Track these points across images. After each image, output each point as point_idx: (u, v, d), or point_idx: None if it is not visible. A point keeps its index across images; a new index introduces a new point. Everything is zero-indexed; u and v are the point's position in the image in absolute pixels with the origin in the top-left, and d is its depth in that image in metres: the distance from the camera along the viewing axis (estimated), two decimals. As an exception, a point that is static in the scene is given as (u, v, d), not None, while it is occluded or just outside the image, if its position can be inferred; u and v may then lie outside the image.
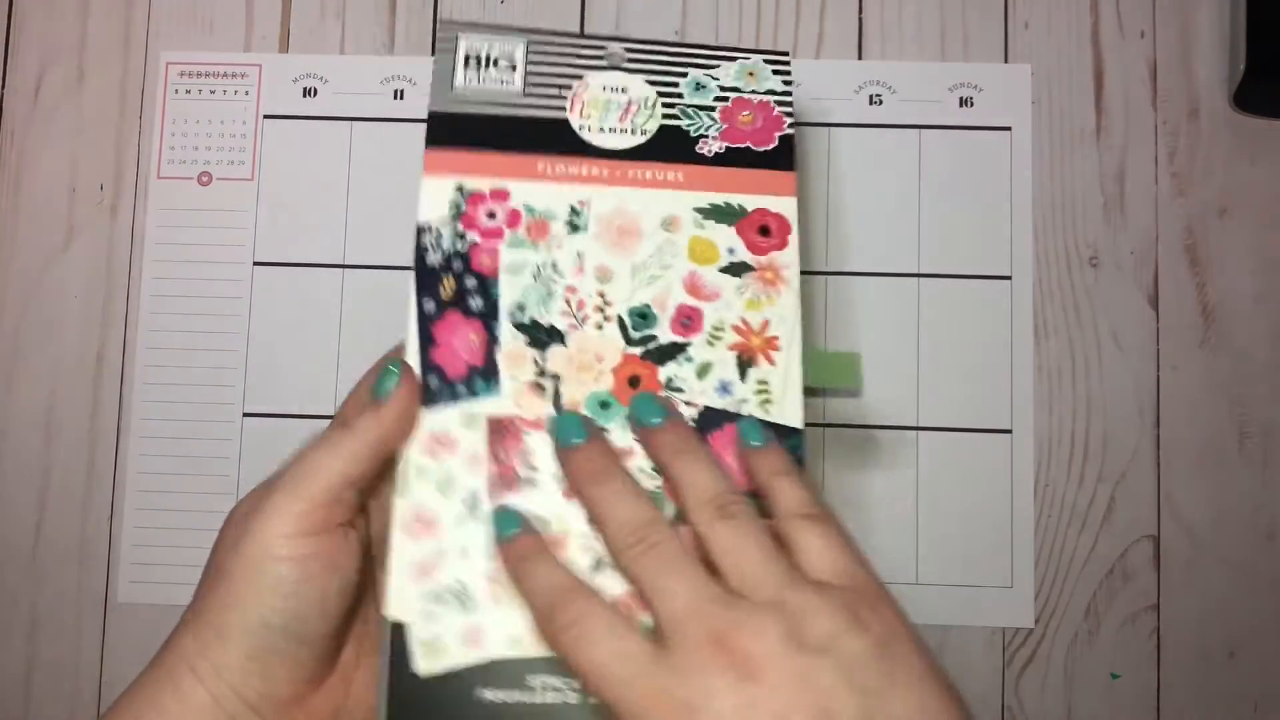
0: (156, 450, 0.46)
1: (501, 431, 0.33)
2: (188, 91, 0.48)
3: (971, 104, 0.47)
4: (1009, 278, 0.46)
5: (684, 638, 0.27)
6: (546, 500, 0.32)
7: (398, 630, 0.31)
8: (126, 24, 0.48)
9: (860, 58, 0.47)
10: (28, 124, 0.48)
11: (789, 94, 0.37)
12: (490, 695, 0.30)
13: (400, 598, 0.31)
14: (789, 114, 0.37)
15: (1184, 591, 0.44)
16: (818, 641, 0.27)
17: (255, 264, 0.47)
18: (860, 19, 0.48)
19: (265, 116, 0.47)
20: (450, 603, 0.31)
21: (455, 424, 0.33)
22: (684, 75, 0.37)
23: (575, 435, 0.32)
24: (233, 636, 0.29)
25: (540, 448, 0.33)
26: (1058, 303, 0.46)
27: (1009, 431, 0.45)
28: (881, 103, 0.47)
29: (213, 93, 0.48)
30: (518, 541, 0.31)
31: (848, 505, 0.45)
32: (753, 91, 0.37)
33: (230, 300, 0.47)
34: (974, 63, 0.47)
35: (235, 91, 0.48)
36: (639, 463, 0.33)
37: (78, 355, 0.46)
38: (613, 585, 0.31)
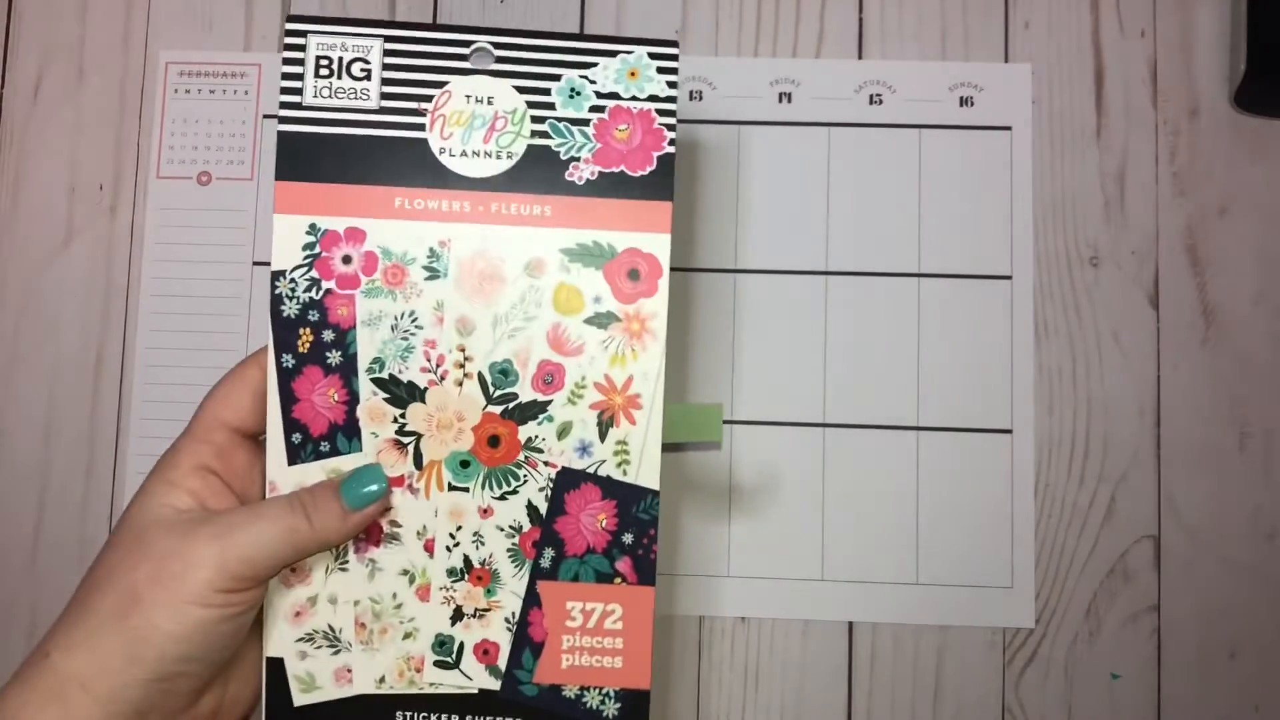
0: (156, 450, 0.45)
1: None
2: (187, 91, 0.48)
3: (971, 104, 0.47)
4: (1009, 278, 0.46)
5: None
6: (410, 556, 0.34)
7: (275, 665, 0.34)
8: (126, 24, 0.48)
9: (860, 58, 0.47)
10: (27, 124, 0.48)
11: (673, 99, 0.34)
12: None
13: (277, 638, 0.34)
14: (670, 127, 0.34)
15: (1184, 592, 0.44)
16: None
17: (255, 264, 0.47)
18: (860, 19, 0.47)
19: (265, 116, 0.47)
20: (321, 644, 0.34)
21: (320, 480, 0.33)
22: (557, 79, 0.34)
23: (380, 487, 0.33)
24: (146, 666, 0.29)
25: (404, 504, 0.34)
26: (1058, 303, 0.46)
27: (1009, 431, 0.45)
28: (881, 103, 0.47)
29: (212, 92, 0.48)
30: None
31: (848, 505, 0.45)
32: (633, 98, 0.34)
33: (230, 300, 0.46)
34: (974, 62, 0.47)
35: (235, 91, 0.48)
36: (497, 521, 0.34)
37: (77, 355, 0.46)
38: (473, 634, 0.34)
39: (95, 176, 0.47)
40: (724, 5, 0.48)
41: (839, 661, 0.44)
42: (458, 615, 0.34)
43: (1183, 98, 0.47)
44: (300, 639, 0.34)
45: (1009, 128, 0.47)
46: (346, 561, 0.34)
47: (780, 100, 0.47)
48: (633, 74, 0.34)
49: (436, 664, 0.34)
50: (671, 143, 0.34)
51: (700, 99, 0.47)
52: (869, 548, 0.45)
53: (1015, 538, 0.45)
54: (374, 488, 0.32)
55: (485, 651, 0.34)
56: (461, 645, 0.34)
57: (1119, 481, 0.45)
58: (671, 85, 0.34)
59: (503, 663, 0.34)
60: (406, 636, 0.34)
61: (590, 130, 0.34)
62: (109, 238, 0.47)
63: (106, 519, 0.46)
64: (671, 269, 0.46)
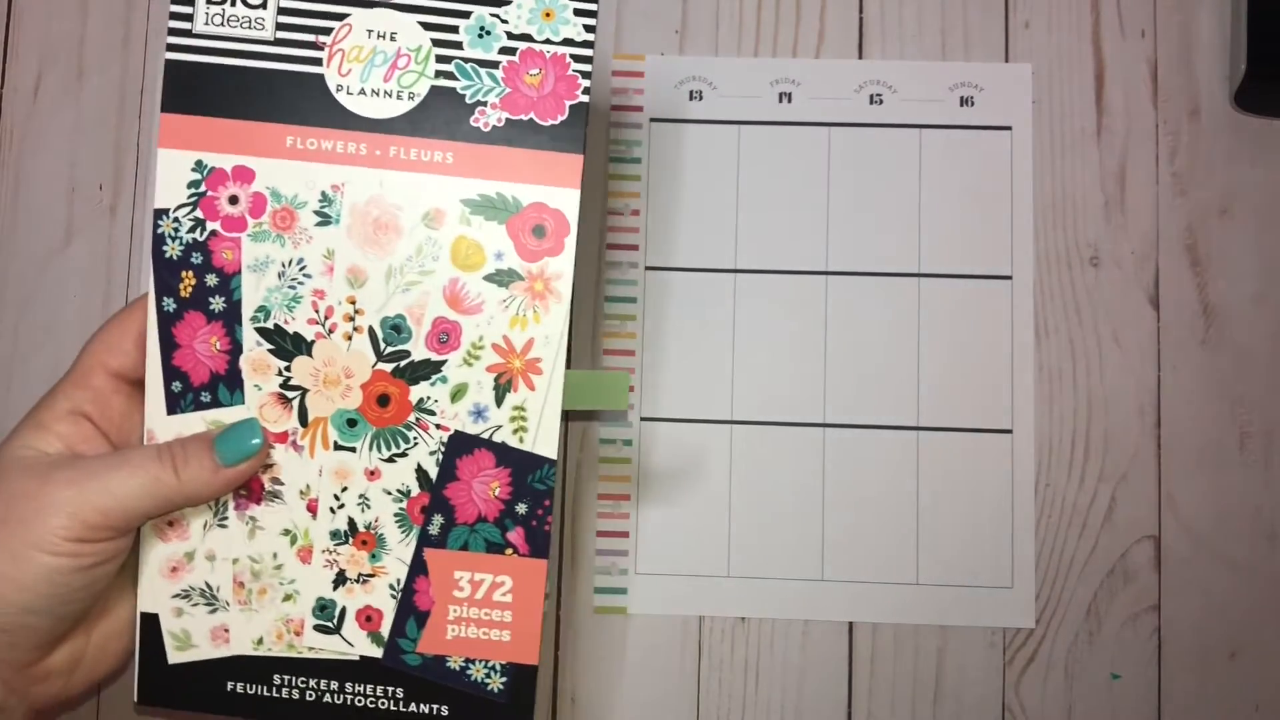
0: (156, 450, 0.46)
1: None
2: (187, 91, 0.48)
3: (972, 104, 0.47)
4: (1009, 278, 0.46)
5: None
6: (293, 515, 0.33)
7: (150, 621, 0.33)
8: (126, 24, 0.48)
9: (860, 57, 0.47)
10: (27, 123, 0.48)
11: (589, 45, 0.32)
12: (236, 687, 0.33)
13: (151, 593, 0.32)
14: (585, 74, 0.32)
15: (1185, 592, 0.44)
16: None
17: (255, 264, 0.47)
18: (860, 19, 0.47)
19: (265, 116, 0.47)
20: (198, 601, 0.33)
21: (199, 431, 0.32)
22: (467, 15, 0.31)
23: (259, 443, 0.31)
24: None
25: (287, 462, 0.32)
26: (1058, 303, 0.46)
27: (1009, 431, 0.45)
28: (881, 102, 0.47)
29: (212, 92, 0.47)
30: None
31: (848, 505, 0.45)
32: (546, 41, 0.32)
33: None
34: (974, 62, 0.47)
35: (235, 91, 0.47)
36: (384, 484, 0.32)
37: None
38: (356, 600, 0.33)
39: (95, 176, 0.47)
40: (724, 5, 0.48)
41: (839, 661, 0.44)
42: (340, 579, 0.33)
43: (1183, 98, 0.47)
44: (176, 595, 0.33)
45: (1009, 128, 0.47)
46: (226, 518, 0.32)
47: (780, 100, 0.47)
48: (547, 14, 0.32)
49: (317, 628, 0.33)
50: (585, 91, 0.32)
51: (700, 99, 0.47)
52: (869, 548, 0.45)
53: (1015, 538, 0.45)
54: (252, 442, 0.31)
55: (368, 618, 0.33)
56: (344, 610, 0.33)
57: (1119, 481, 0.45)
58: (589, 30, 0.32)
59: (386, 630, 0.33)
60: (286, 599, 0.33)
61: (499, 73, 0.32)
62: (109, 238, 0.47)
63: (106, 519, 0.46)
64: (671, 269, 0.46)
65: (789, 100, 0.47)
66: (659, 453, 0.45)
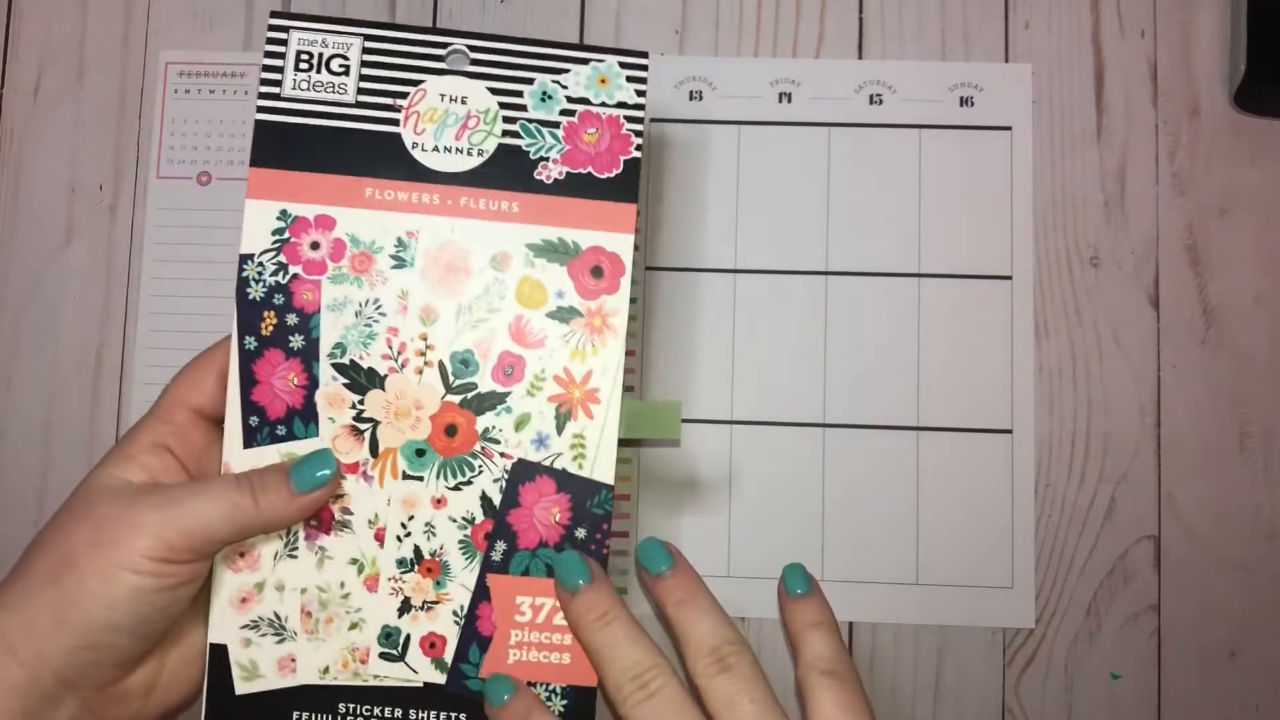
0: (156, 450, 0.46)
1: None
2: (187, 91, 0.48)
3: (972, 104, 0.47)
4: (1009, 278, 0.46)
5: None
6: (360, 545, 0.34)
7: (219, 652, 0.33)
8: (126, 24, 0.48)
9: (860, 57, 0.47)
10: (27, 123, 0.48)
11: (641, 107, 0.35)
12: (302, 716, 0.34)
13: (220, 624, 0.33)
14: (638, 133, 0.35)
15: (1185, 592, 0.44)
16: None
17: (255, 264, 0.47)
18: (860, 19, 0.47)
19: (265, 116, 0.47)
20: (266, 632, 0.34)
21: (274, 462, 0.33)
22: (530, 82, 0.35)
23: (579, 578, 0.33)
24: (73, 630, 0.29)
25: (357, 492, 0.34)
26: (1058, 303, 0.46)
27: (1009, 432, 0.45)
28: (881, 103, 0.47)
29: (212, 92, 0.48)
30: (586, 596, 0.33)
31: (848, 505, 0.45)
32: (603, 104, 0.35)
33: (230, 300, 0.46)
34: (974, 62, 0.47)
35: (235, 91, 0.47)
36: (450, 511, 0.34)
37: (77, 355, 0.46)
38: (420, 627, 0.34)
39: (95, 176, 0.47)
40: (724, 5, 0.48)
41: (839, 661, 0.44)
42: (405, 607, 0.34)
43: (1183, 98, 0.47)
44: (245, 626, 0.34)
45: (1009, 128, 0.47)
46: (296, 548, 0.33)
47: (780, 100, 0.47)
48: (603, 80, 0.35)
49: (382, 656, 0.34)
50: (638, 148, 0.35)
51: (700, 99, 0.47)
52: (869, 548, 0.45)
53: (1015, 538, 0.45)
54: (324, 472, 0.32)
55: (432, 644, 0.34)
56: (408, 637, 0.34)
57: (1119, 481, 0.45)
58: (640, 94, 0.35)
59: (449, 656, 0.34)
60: (352, 627, 0.34)
61: (560, 132, 0.35)
62: (109, 238, 0.47)
63: (106, 519, 0.46)
64: (671, 269, 0.46)
65: (789, 100, 0.47)
66: (659, 453, 0.45)
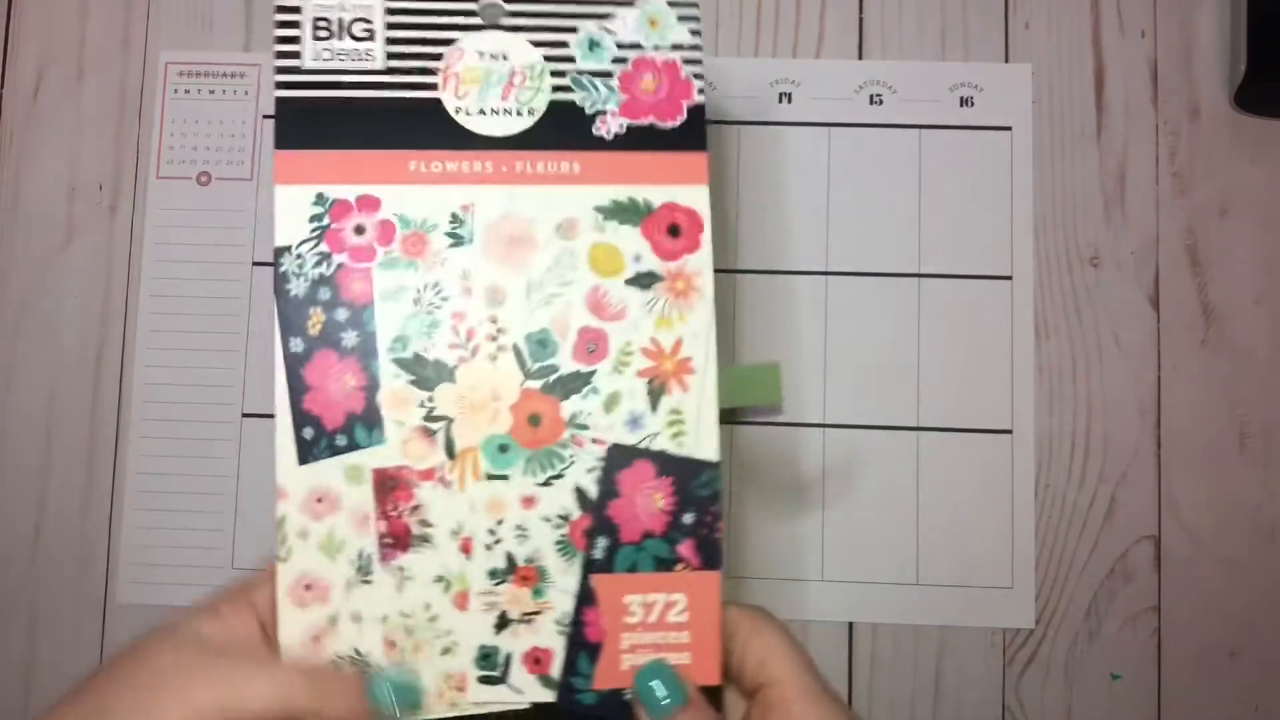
0: (156, 450, 0.46)
1: (390, 485, 0.30)
2: (187, 91, 0.48)
3: (972, 104, 0.47)
4: (1009, 278, 0.46)
5: None
6: (444, 559, 0.30)
7: None
8: (126, 24, 0.48)
9: (860, 58, 0.47)
10: (27, 124, 0.48)
11: (698, 48, 0.32)
12: None
13: None
14: (698, 76, 0.32)
15: (1185, 592, 0.44)
16: None
17: (255, 264, 0.47)
18: (860, 19, 0.47)
19: (265, 116, 0.47)
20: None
21: (337, 479, 0.30)
22: (574, 31, 0.31)
23: (674, 700, 0.29)
24: None
25: (435, 500, 0.30)
26: (1058, 303, 0.46)
27: (1009, 432, 0.45)
28: (881, 103, 0.47)
29: (212, 92, 0.48)
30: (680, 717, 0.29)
31: (849, 505, 0.45)
32: (656, 47, 0.32)
33: (230, 300, 0.46)
34: (974, 63, 0.47)
35: (235, 91, 0.48)
36: (542, 510, 0.30)
37: (77, 355, 0.46)
38: (521, 642, 0.30)
39: (95, 176, 0.47)
40: (724, 5, 0.48)
41: (839, 662, 0.44)
42: (502, 622, 0.30)
43: (1183, 98, 0.47)
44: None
45: (1009, 128, 0.47)
46: (370, 573, 0.30)
47: (780, 100, 0.47)
48: (653, 23, 0.32)
49: (481, 680, 0.30)
50: (701, 91, 0.32)
51: (700, 99, 0.47)
52: (869, 548, 0.45)
53: (1015, 538, 0.45)
54: (408, 701, 0.29)
55: (536, 660, 0.30)
56: (509, 656, 0.30)
57: (1119, 481, 0.45)
58: (694, 34, 0.32)
59: (556, 671, 0.30)
60: (445, 652, 0.30)
61: (614, 82, 0.32)
62: (109, 238, 0.47)
63: (106, 519, 0.46)
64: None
65: (789, 100, 0.47)
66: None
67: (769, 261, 0.46)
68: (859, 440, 0.45)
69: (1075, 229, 0.46)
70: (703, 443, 0.31)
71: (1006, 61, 0.47)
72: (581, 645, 0.30)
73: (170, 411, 0.46)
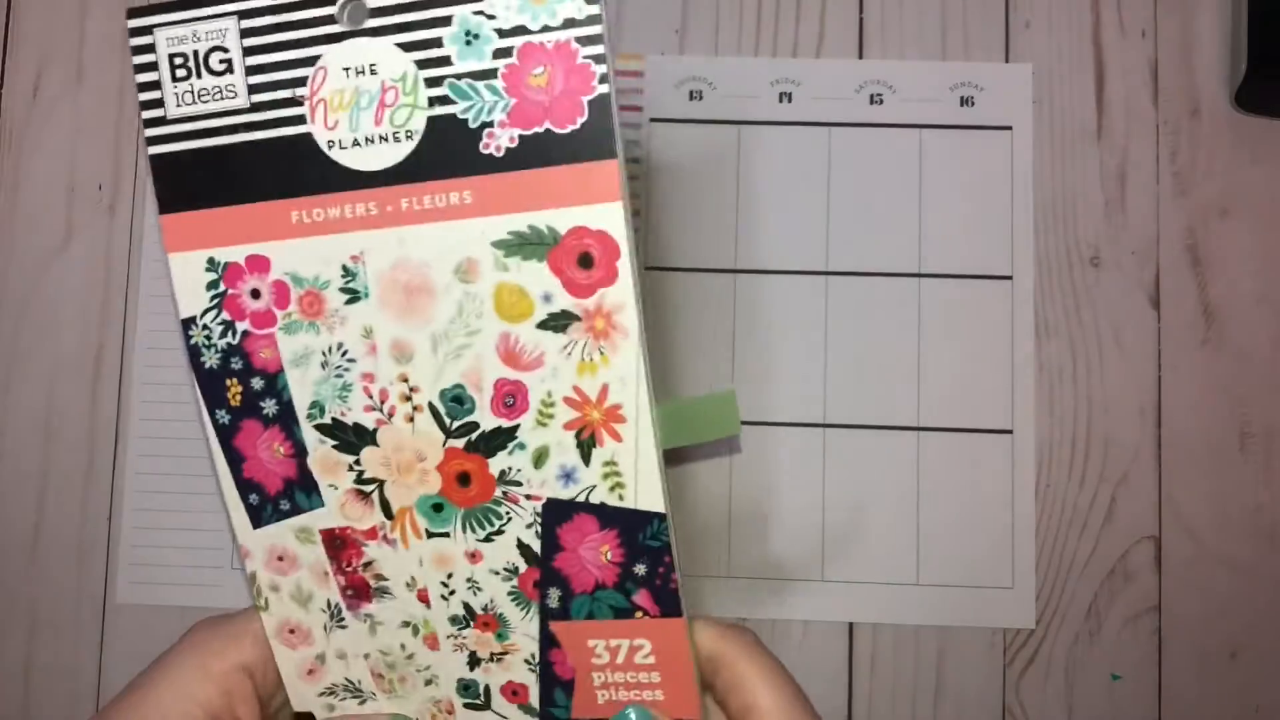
0: (156, 450, 0.46)
1: (339, 544, 0.29)
2: (187, 91, 0.47)
3: (972, 104, 0.47)
4: (1009, 278, 0.46)
5: None
6: (407, 608, 0.30)
7: (306, 718, 0.31)
8: (126, 24, 0.48)
9: (860, 57, 0.47)
10: (26, 123, 0.48)
11: (597, 20, 0.26)
12: None
13: (298, 694, 0.31)
14: (599, 59, 0.26)
15: (1185, 592, 0.44)
16: None
17: (255, 264, 0.47)
18: (860, 19, 0.47)
19: (265, 116, 0.47)
20: (345, 695, 0.31)
21: (291, 540, 0.30)
22: (448, 22, 0.26)
23: None
24: None
25: (384, 557, 0.29)
26: (1058, 303, 0.46)
27: (1009, 432, 0.45)
28: (882, 102, 0.47)
29: (212, 92, 0.47)
30: None
31: (848, 505, 0.45)
32: (544, 29, 0.26)
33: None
34: (974, 62, 0.47)
35: (235, 91, 0.47)
36: (489, 564, 0.29)
37: (76, 355, 0.46)
38: (496, 677, 0.30)
39: (95, 176, 0.47)
40: (724, 5, 0.47)
41: (839, 662, 0.44)
42: (474, 660, 0.30)
43: (1183, 98, 0.47)
44: (321, 694, 0.31)
45: (1009, 128, 0.47)
46: (343, 619, 0.30)
47: (780, 100, 0.47)
48: None
49: (467, 706, 0.31)
50: (603, 80, 0.26)
51: (700, 99, 0.47)
52: (869, 548, 0.45)
53: (1015, 538, 0.45)
54: None
55: (514, 692, 0.30)
56: (488, 687, 0.30)
57: (1119, 482, 0.45)
58: (590, 2, 0.26)
59: (535, 701, 0.30)
60: (428, 683, 0.30)
61: (499, 83, 0.26)
62: (109, 238, 0.47)
63: (106, 519, 0.46)
64: (671, 269, 0.46)
65: (789, 100, 0.47)
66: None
67: (769, 261, 0.46)
68: (862, 439, 0.45)
69: (1075, 229, 0.46)
70: (644, 494, 0.28)
71: (1007, 61, 0.47)
72: (555, 681, 0.30)
73: (170, 411, 0.46)
